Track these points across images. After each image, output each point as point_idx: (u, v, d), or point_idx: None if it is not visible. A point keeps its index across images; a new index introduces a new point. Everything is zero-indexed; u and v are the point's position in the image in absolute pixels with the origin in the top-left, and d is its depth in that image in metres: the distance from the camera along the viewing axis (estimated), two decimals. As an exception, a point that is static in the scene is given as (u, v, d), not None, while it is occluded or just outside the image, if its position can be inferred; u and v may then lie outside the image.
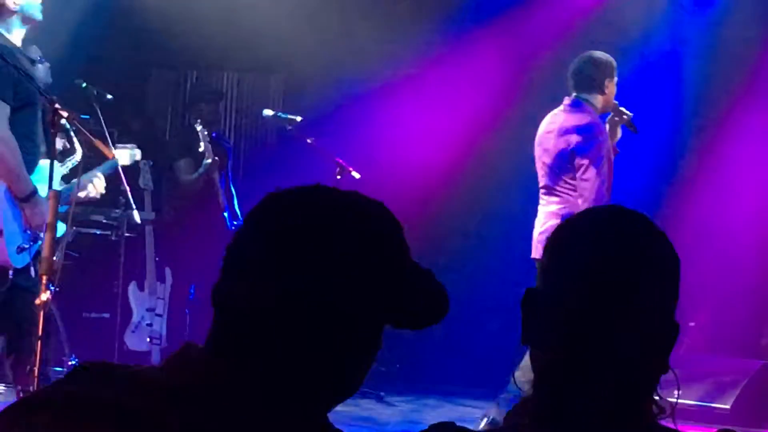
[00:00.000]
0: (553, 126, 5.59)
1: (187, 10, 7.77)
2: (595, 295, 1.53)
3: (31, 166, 4.63)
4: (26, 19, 4.72)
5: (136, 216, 6.58)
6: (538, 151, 5.66)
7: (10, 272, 4.56)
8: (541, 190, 5.65)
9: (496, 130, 8.25)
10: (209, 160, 7.13)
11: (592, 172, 5.38)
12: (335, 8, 8.02)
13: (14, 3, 4.66)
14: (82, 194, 4.91)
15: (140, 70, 9.10)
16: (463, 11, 8.33)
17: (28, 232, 4.60)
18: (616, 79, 5.59)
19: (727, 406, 6.39)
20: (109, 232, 7.10)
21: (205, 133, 7.14)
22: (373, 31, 8.04)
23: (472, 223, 8.42)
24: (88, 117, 6.72)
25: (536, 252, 5.52)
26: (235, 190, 7.48)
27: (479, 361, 7.33)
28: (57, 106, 4.31)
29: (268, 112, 7.17)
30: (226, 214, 7.29)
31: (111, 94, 6.55)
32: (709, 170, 7.79)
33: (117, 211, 7.03)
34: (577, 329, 1.53)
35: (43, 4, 4.77)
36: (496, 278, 7.81)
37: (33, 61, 4.76)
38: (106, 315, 7.20)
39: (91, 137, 5.46)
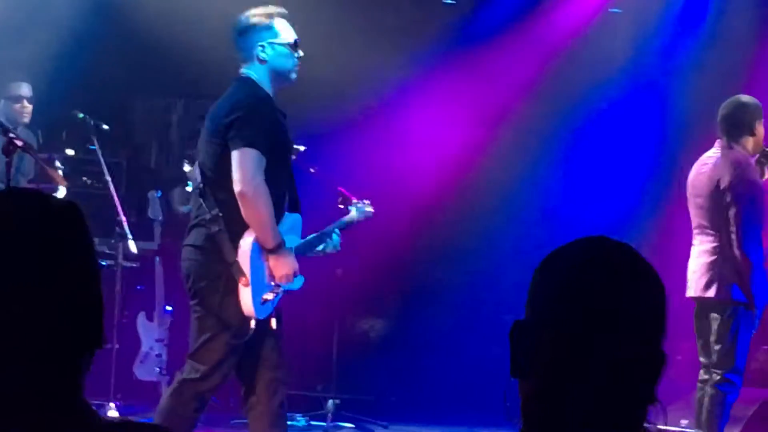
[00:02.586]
0: (706, 167, 5.67)
1: (176, 37, 7.78)
2: (578, 324, 1.55)
3: (277, 217, 4.61)
4: (276, 75, 4.65)
5: (132, 246, 6.57)
6: (690, 192, 5.74)
7: (252, 322, 4.55)
8: (695, 230, 5.71)
9: (492, 151, 8.27)
10: None
11: (745, 209, 5.47)
12: (323, 33, 7.99)
13: (265, 54, 4.61)
14: (329, 249, 5.02)
15: (126, 98, 9.11)
16: (453, 33, 8.34)
17: (271, 283, 4.58)
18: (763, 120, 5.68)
19: (733, 436, 6.34)
20: (112, 263, 6.96)
21: (197, 171, 7.14)
22: (362, 53, 8.03)
23: (471, 249, 8.41)
24: (94, 147, 6.77)
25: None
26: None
27: (480, 388, 7.30)
28: (11, 135, 4.29)
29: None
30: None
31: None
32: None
33: (113, 241, 6.95)
34: (561, 359, 1.55)
35: (295, 66, 4.68)
36: (492, 305, 7.81)
37: (284, 115, 4.71)
38: (116, 346, 7.13)
39: (45, 166, 5.50)
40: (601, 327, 1.54)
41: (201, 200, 4.56)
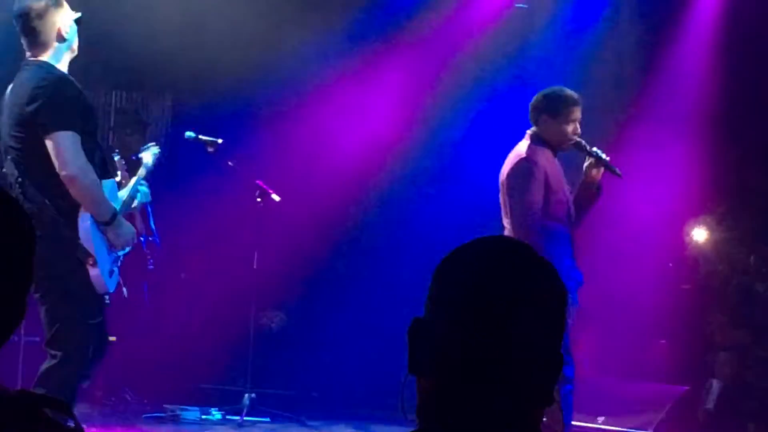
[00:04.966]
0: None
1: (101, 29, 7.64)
2: (475, 326, 1.56)
3: None
4: (71, 53, 4.70)
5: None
6: None
7: (107, 299, 4.61)
8: None
9: (400, 146, 8.30)
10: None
11: (514, 200, 5.41)
12: (239, 23, 7.91)
13: (66, 33, 4.63)
14: (145, 200, 5.11)
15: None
16: (369, 24, 8.29)
17: (112, 254, 4.63)
18: (569, 116, 5.52)
19: (650, 432, 6.50)
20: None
21: (123, 162, 7.10)
22: (278, 45, 7.98)
23: (375, 243, 8.45)
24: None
25: None
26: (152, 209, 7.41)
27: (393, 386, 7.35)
28: None
29: (190, 134, 7.17)
30: (141, 238, 7.27)
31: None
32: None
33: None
34: (459, 357, 1.56)
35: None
36: (414, 303, 7.84)
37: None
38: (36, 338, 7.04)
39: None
40: (500, 325, 1.55)
41: (23, 195, 4.49)
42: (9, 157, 4.58)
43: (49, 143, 4.43)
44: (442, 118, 8.34)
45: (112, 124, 8.19)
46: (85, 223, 4.50)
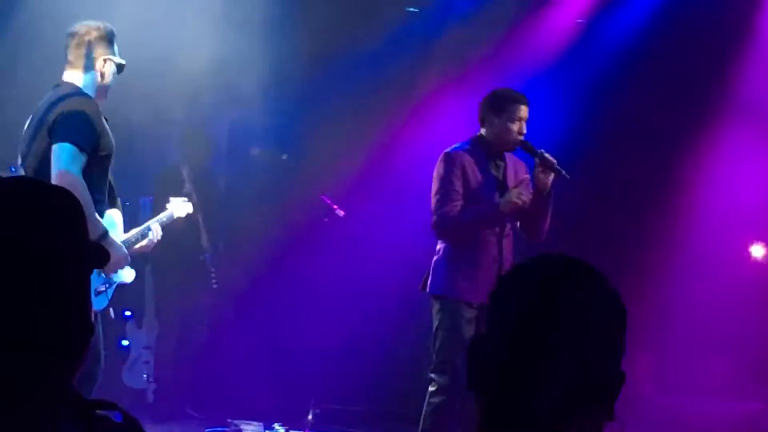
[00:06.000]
0: None
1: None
2: (529, 343, 1.57)
3: (100, 213, 4.75)
4: (103, 91, 4.86)
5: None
6: None
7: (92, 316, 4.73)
8: None
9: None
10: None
11: (434, 188, 5.49)
12: (300, 36, 7.92)
13: (107, 75, 4.81)
14: (143, 243, 5.09)
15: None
16: (418, 40, 8.23)
17: (102, 275, 4.73)
18: (514, 113, 5.44)
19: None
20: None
21: (191, 174, 7.17)
22: (341, 58, 8.00)
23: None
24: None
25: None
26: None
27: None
28: None
29: (254, 150, 7.21)
30: (206, 255, 7.38)
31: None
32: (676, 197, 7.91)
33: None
34: (520, 375, 1.57)
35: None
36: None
37: (107, 119, 4.86)
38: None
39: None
40: (554, 343, 1.56)
41: None
42: (24, 164, 4.77)
43: (52, 151, 4.60)
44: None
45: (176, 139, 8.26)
46: None
